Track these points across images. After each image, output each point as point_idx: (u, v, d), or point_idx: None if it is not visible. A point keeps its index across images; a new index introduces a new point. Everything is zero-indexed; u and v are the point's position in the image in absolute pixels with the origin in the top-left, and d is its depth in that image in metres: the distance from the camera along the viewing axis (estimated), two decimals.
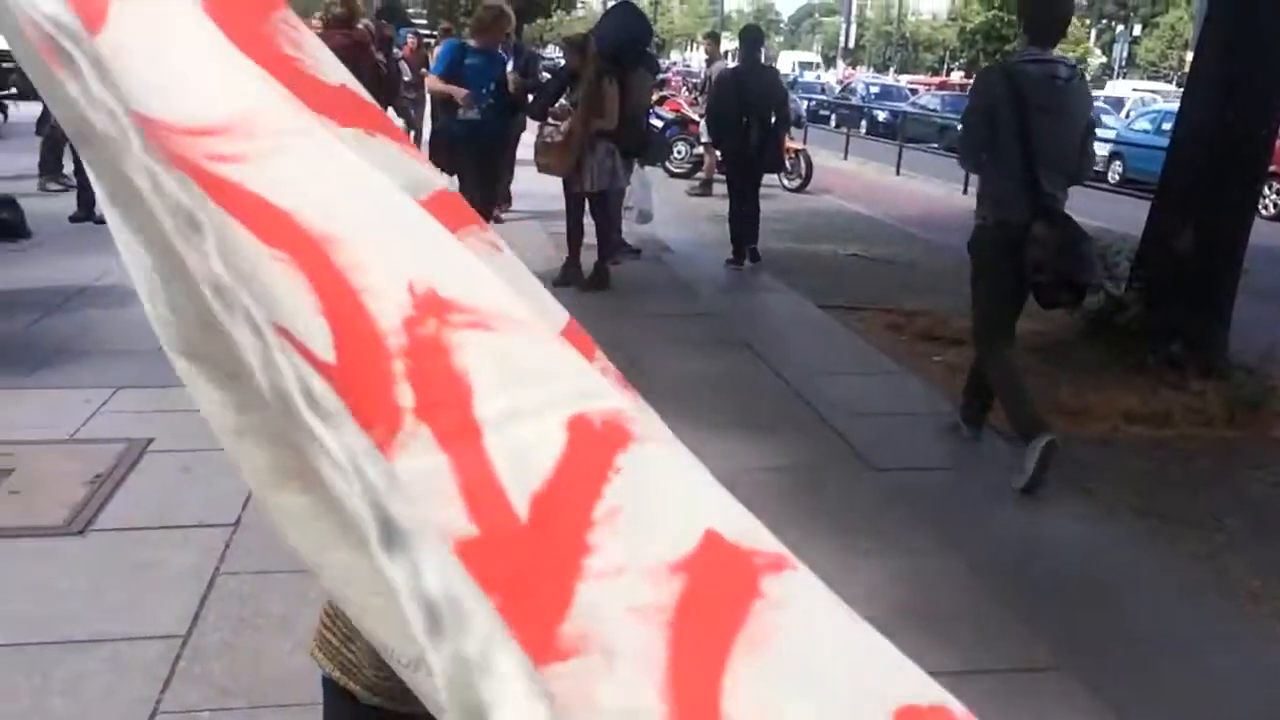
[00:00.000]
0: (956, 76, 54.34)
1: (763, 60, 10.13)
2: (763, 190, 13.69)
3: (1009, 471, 4.59)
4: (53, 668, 2.86)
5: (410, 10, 57.46)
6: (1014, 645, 3.31)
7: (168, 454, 4.36)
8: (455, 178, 8.19)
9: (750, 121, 8.63)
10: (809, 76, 48.02)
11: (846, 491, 4.41)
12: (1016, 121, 4.48)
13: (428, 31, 37.73)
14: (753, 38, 9.44)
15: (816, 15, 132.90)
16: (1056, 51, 4.83)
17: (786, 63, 54.38)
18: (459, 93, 7.74)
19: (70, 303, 6.68)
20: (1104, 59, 70.94)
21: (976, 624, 3.41)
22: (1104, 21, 73.65)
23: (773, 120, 8.85)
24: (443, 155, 8.02)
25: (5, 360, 5.47)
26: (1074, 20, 69.37)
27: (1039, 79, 4.56)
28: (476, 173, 7.76)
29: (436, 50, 14.42)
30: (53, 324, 6.22)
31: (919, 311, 7.57)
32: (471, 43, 8.24)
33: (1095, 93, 40.94)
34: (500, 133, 8.47)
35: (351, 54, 6.86)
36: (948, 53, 63.82)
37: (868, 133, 25.39)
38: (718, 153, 11.34)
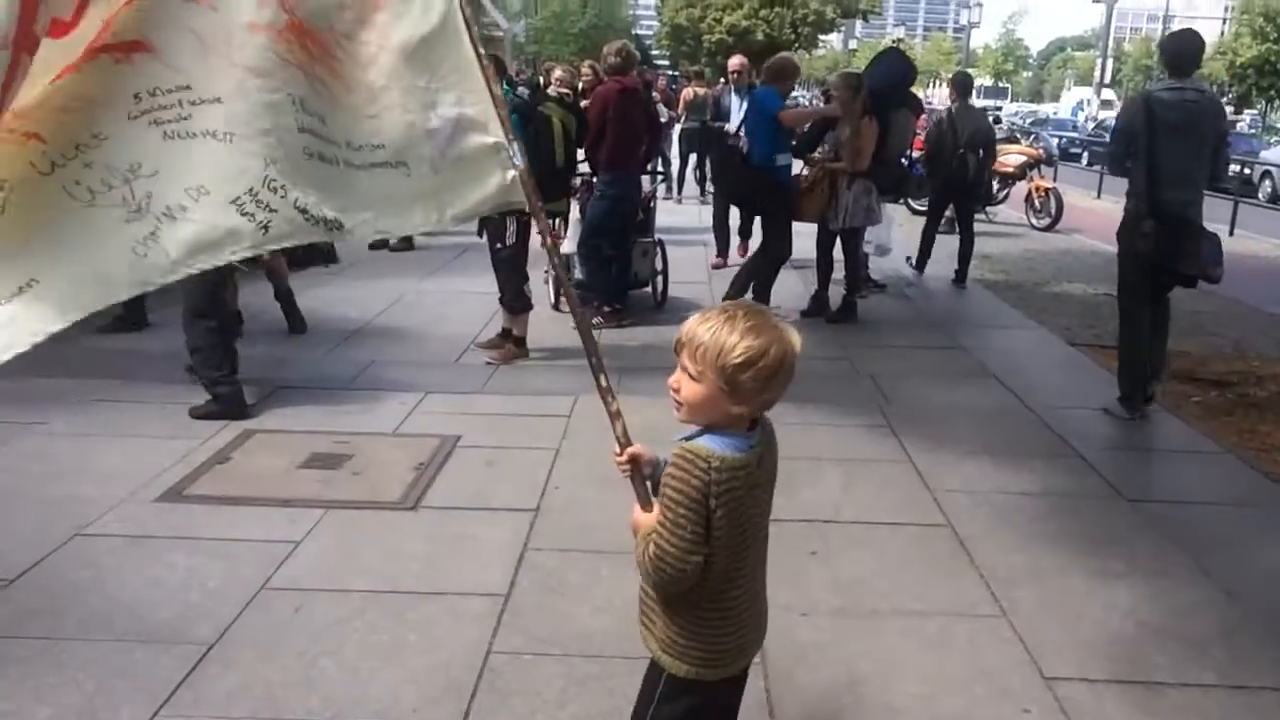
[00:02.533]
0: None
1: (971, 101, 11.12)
2: (1011, 229, 13.63)
3: (1261, 508, 4.63)
4: (406, 611, 3.47)
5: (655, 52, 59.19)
6: (1271, 667, 3.39)
7: (474, 449, 5.01)
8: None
9: (965, 157, 9.62)
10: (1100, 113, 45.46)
11: (1098, 519, 4.53)
12: (1148, 139, 5.54)
13: (674, 73, 38.83)
14: (962, 82, 10.49)
15: (1069, 49, 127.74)
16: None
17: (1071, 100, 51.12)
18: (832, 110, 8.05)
19: (378, 319, 7.61)
20: None
21: (1231, 646, 3.50)
22: None
23: (980, 155, 9.85)
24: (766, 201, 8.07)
25: (331, 367, 6.35)
26: None
27: (1173, 103, 5.56)
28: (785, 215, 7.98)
29: (693, 91, 15.16)
30: (365, 337, 7.13)
31: (1176, 352, 7.44)
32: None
33: None
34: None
35: (625, 100, 7.49)
36: (1215, 87, 59.99)
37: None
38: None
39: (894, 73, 8.20)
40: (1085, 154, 28.00)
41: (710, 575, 1.98)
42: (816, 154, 7.99)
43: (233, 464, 4.74)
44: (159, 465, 4.62)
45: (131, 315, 6.95)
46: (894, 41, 73.33)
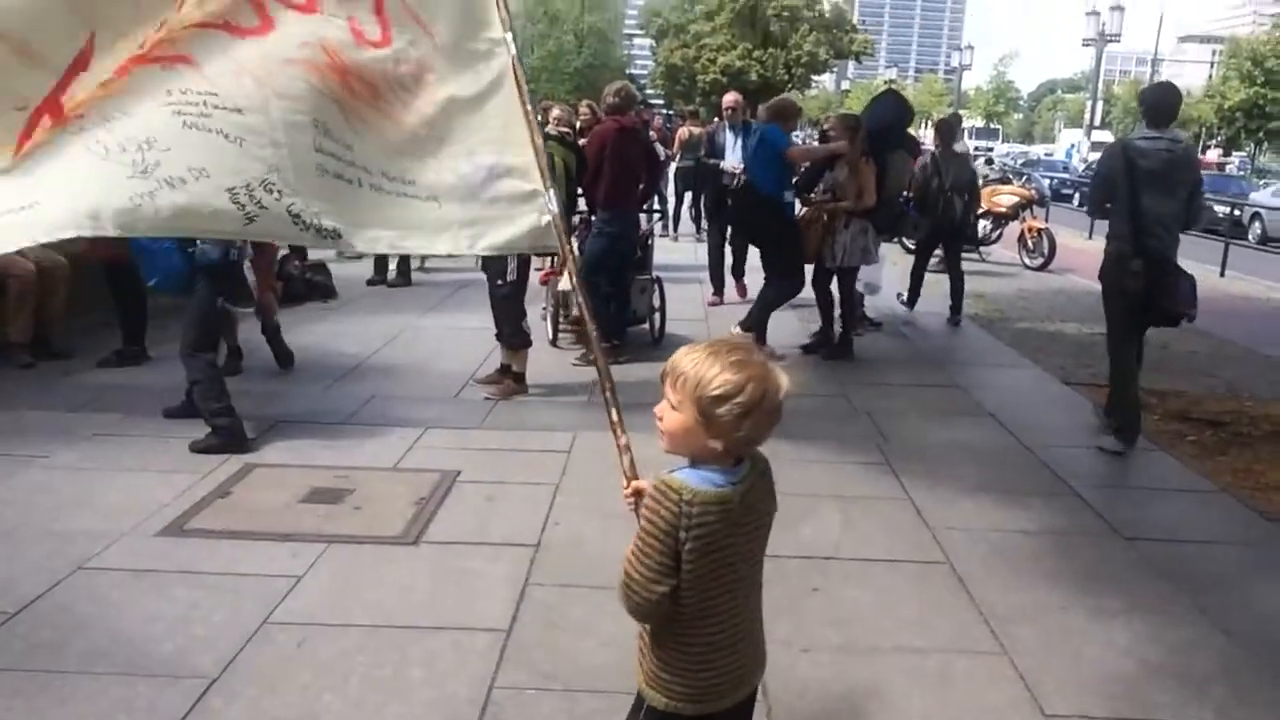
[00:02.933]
0: (1214, 155, 51.56)
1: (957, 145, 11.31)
2: (1005, 269, 13.76)
3: (1257, 547, 4.67)
4: (409, 646, 3.48)
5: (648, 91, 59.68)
6: (1270, 706, 3.40)
7: (474, 484, 5.03)
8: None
9: (951, 200, 9.95)
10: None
11: (1096, 557, 4.56)
12: (1128, 185, 5.84)
13: (668, 112, 39.12)
14: (946, 128, 10.78)
15: (1059, 91, 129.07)
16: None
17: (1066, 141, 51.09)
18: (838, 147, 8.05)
19: (377, 354, 7.64)
20: None
21: (1231, 684, 3.52)
22: None
23: (966, 198, 10.20)
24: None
25: (330, 402, 6.38)
26: None
27: (1149, 152, 5.85)
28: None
29: (689, 130, 15.28)
30: (365, 372, 7.16)
31: (1171, 392, 7.52)
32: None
33: None
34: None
35: (622, 138, 7.58)
36: (1203, 129, 60.63)
37: None
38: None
39: (890, 114, 8.37)
40: (1076, 195, 28.26)
41: (684, 609, 1.99)
42: (813, 194, 8.07)
43: (234, 498, 4.75)
44: (160, 499, 4.63)
45: (130, 350, 6.98)
46: (886, 83, 74.06)
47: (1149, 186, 5.82)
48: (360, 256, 11.56)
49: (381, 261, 10.66)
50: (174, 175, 2.48)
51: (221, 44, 2.62)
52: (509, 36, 2.77)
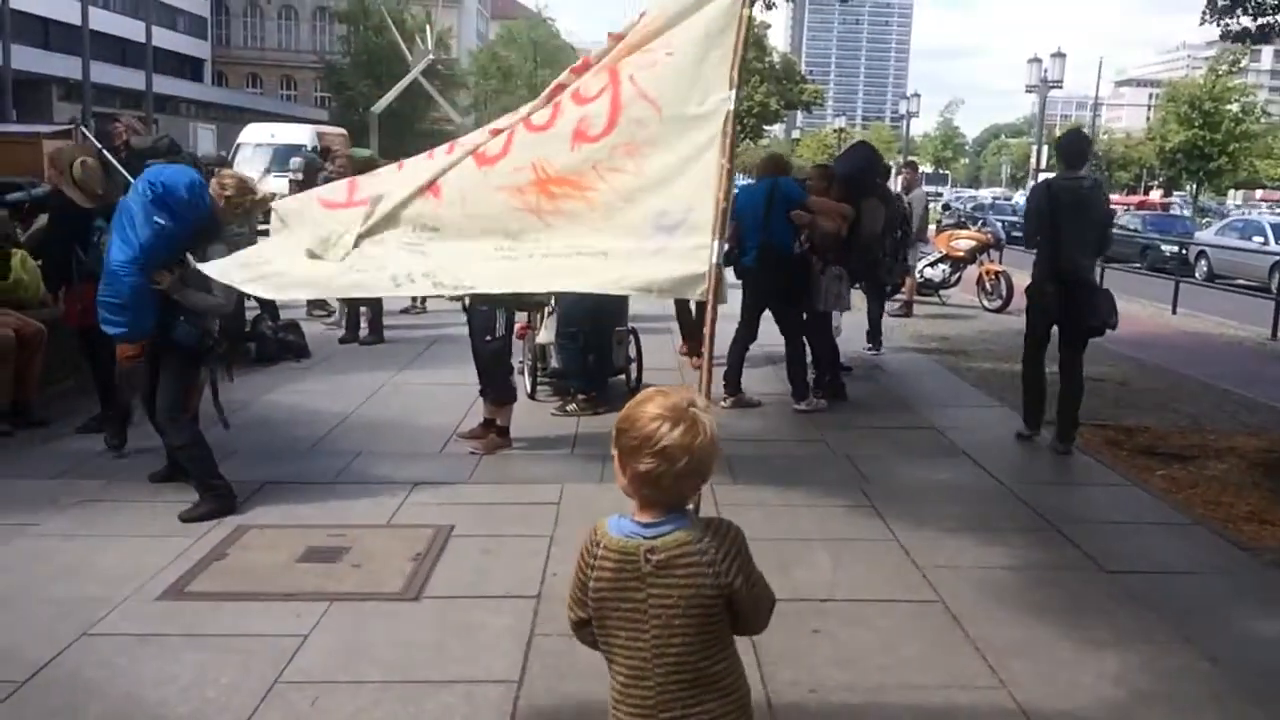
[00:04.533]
0: (1156, 195, 52.86)
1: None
2: (964, 311, 14.07)
3: (1234, 576, 4.83)
4: (424, 700, 3.51)
5: None
6: None
7: (469, 538, 5.07)
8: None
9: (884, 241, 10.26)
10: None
11: (1080, 590, 4.69)
12: (1050, 219, 6.85)
13: None
14: (887, 170, 11.60)
15: (1003, 136, 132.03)
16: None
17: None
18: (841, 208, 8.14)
19: (358, 412, 7.66)
20: None
21: (1220, 710, 3.64)
22: None
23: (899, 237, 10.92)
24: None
25: (317, 461, 6.40)
26: None
27: (1068, 189, 6.86)
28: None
29: None
30: (348, 429, 7.17)
31: (1138, 428, 7.74)
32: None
33: None
34: None
35: None
36: (1145, 170, 62.23)
37: None
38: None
39: (863, 162, 8.73)
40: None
41: (598, 643, 2.10)
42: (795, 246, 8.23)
43: (230, 560, 4.75)
44: (157, 564, 4.62)
45: (109, 415, 6.94)
46: (835, 131, 75.50)
47: (1067, 220, 6.79)
48: (329, 314, 11.58)
49: (353, 319, 10.68)
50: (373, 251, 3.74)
51: (460, 172, 3.62)
52: (733, 94, 3.07)
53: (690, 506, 2.06)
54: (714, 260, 2.98)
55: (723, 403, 7.94)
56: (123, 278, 5.12)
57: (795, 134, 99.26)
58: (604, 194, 3.27)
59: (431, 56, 42.69)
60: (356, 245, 3.74)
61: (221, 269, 4.32)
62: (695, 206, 3.08)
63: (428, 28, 45.79)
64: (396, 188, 3.83)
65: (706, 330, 3.04)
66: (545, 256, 3.33)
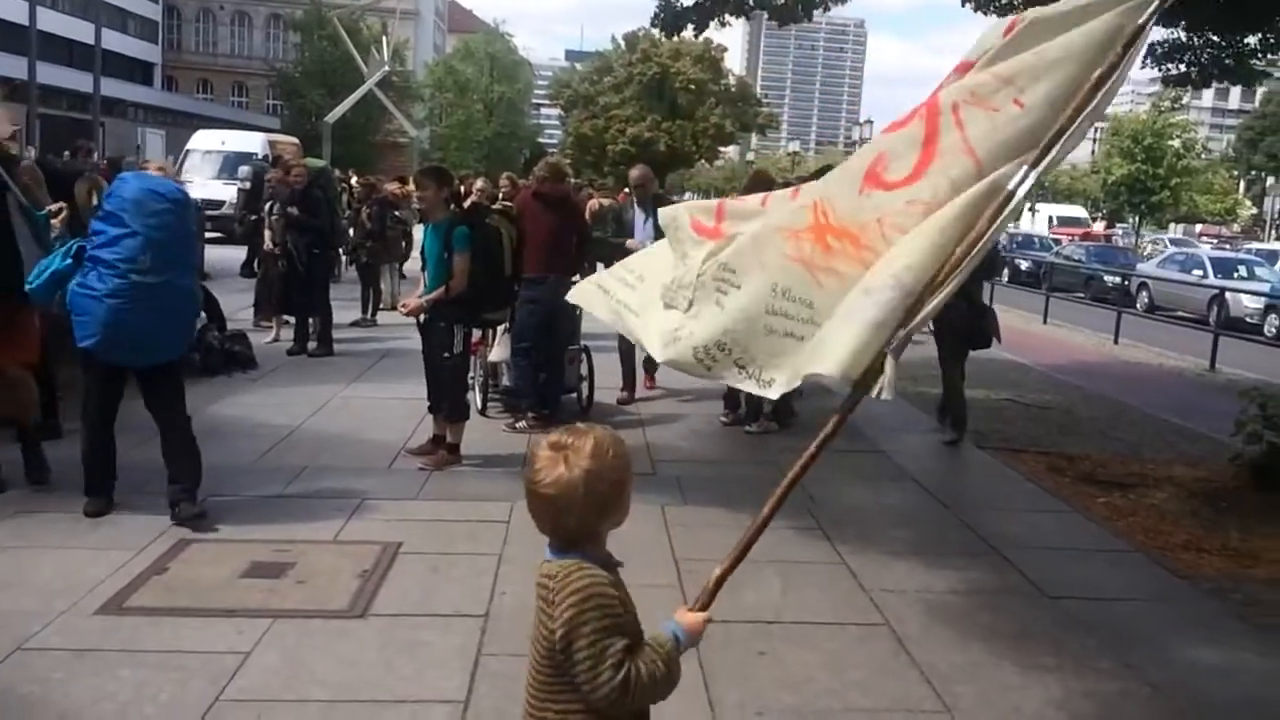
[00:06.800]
0: (1099, 227, 53.91)
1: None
2: (915, 338, 14.21)
3: (1172, 603, 4.93)
4: None
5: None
6: None
7: (416, 555, 5.03)
8: None
9: None
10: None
11: (1024, 615, 4.75)
12: None
13: (576, 181, 39.57)
14: None
15: None
16: None
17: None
18: None
19: (305, 425, 7.57)
20: (1254, 210, 69.51)
21: None
22: (1253, 173, 72.46)
23: None
24: None
25: (262, 474, 6.30)
26: (1222, 171, 68.52)
27: None
28: None
29: (598, 202, 15.42)
30: (294, 443, 7.07)
31: (1080, 456, 7.87)
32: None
33: (1250, 245, 39.64)
34: None
35: (536, 204, 7.73)
36: (1089, 202, 63.50)
37: (1010, 281, 25.59)
38: None
39: None
40: None
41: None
42: None
43: (171, 574, 4.66)
44: (95, 577, 4.52)
45: (45, 424, 6.76)
46: (789, 154, 76.27)
47: None
48: (274, 326, 11.43)
49: (302, 329, 10.57)
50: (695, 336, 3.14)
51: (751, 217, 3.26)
52: (1034, 172, 2.52)
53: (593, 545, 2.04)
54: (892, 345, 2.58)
55: (722, 419, 8.43)
56: None
57: (750, 156, 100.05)
58: (878, 256, 2.63)
59: (387, 68, 42.58)
60: (690, 305, 3.19)
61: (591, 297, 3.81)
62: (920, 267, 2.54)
63: (384, 39, 45.67)
64: (752, 225, 3.15)
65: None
66: (812, 323, 2.78)
